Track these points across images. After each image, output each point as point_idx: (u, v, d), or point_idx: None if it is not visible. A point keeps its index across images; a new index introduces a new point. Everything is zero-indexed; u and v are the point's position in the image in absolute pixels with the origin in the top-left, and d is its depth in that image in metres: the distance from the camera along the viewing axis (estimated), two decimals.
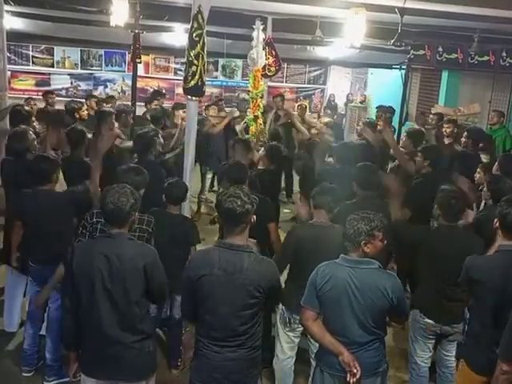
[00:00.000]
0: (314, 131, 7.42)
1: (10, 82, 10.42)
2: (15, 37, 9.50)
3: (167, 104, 9.50)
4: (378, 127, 7.27)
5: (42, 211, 4.15)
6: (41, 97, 9.64)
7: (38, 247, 4.23)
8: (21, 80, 12.28)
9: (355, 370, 2.91)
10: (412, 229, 4.29)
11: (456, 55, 8.91)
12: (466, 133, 6.62)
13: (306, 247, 3.80)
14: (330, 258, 3.20)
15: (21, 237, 4.35)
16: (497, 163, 5.16)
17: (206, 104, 9.27)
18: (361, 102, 13.15)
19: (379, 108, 9.25)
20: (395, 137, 9.79)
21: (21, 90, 11.82)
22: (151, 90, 11.97)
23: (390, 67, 11.24)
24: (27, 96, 10.12)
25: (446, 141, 7.14)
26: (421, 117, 9.45)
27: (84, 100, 8.96)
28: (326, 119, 8.60)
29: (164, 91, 11.59)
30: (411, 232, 4.20)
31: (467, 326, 3.48)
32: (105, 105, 8.34)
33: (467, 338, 3.40)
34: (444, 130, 7.33)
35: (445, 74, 10.49)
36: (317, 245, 3.73)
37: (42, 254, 4.20)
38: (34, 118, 6.09)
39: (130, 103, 8.73)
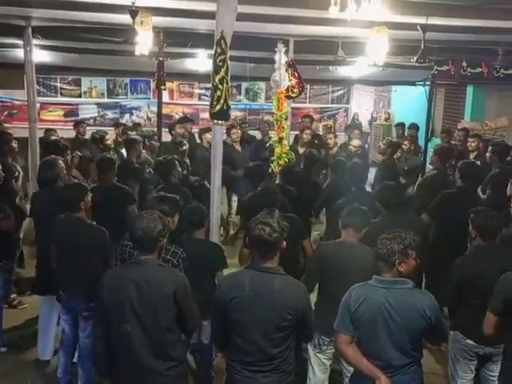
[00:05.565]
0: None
1: (39, 114, 10.63)
2: (43, 69, 9.71)
3: (195, 129, 9.57)
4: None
5: (72, 238, 4.17)
6: (70, 127, 9.86)
7: (66, 275, 4.23)
8: (50, 111, 12.54)
9: None
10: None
11: (481, 69, 8.79)
12: (490, 147, 6.57)
13: (328, 265, 3.82)
14: (356, 276, 3.20)
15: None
16: None
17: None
18: (385, 120, 13.07)
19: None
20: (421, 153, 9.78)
21: (50, 121, 12.03)
22: (177, 116, 12.11)
23: (413, 84, 11.16)
24: (55, 127, 10.29)
25: (472, 156, 7.06)
26: (446, 133, 9.33)
27: (113, 128, 9.19)
28: (356, 142, 8.47)
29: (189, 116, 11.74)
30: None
31: (504, 348, 3.37)
32: (130, 132, 8.47)
33: (505, 360, 3.29)
34: (469, 144, 7.29)
35: (470, 89, 10.35)
36: (340, 263, 3.75)
37: (70, 281, 4.20)
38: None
39: (154, 129, 8.85)
